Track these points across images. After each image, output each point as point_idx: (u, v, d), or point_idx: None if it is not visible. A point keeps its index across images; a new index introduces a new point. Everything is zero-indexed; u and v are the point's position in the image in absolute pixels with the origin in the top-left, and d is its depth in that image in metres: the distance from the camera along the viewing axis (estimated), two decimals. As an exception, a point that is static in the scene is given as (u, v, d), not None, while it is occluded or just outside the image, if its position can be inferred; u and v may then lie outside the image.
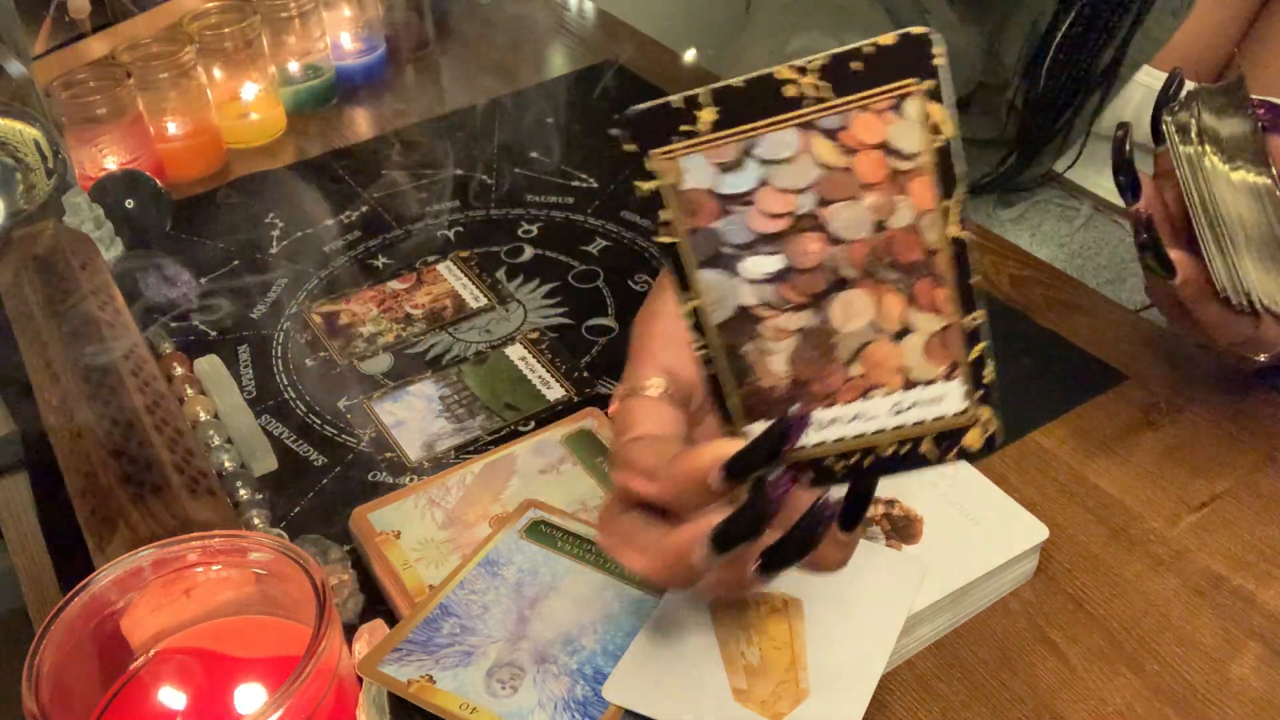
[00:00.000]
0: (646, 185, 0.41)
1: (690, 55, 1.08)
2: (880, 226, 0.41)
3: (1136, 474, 0.63)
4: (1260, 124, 0.57)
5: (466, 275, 0.80)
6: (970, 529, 0.56)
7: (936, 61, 0.39)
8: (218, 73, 0.96)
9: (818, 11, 0.84)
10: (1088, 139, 0.87)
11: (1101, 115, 0.86)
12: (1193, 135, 0.58)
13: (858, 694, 0.48)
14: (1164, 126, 0.58)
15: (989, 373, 0.42)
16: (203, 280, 0.80)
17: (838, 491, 0.42)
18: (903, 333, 0.42)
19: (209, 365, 0.70)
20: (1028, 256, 0.79)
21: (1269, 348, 0.59)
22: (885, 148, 0.40)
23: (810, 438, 0.43)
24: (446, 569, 0.55)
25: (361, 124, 1.00)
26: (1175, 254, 0.58)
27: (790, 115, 0.40)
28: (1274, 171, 0.57)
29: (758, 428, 0.43)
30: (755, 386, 0.43)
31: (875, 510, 0.57)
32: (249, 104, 0.97)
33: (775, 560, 0.42)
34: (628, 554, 0.45)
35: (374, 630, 0.51)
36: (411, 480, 0.64)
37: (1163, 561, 0.58)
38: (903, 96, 0.40)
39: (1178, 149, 0.57)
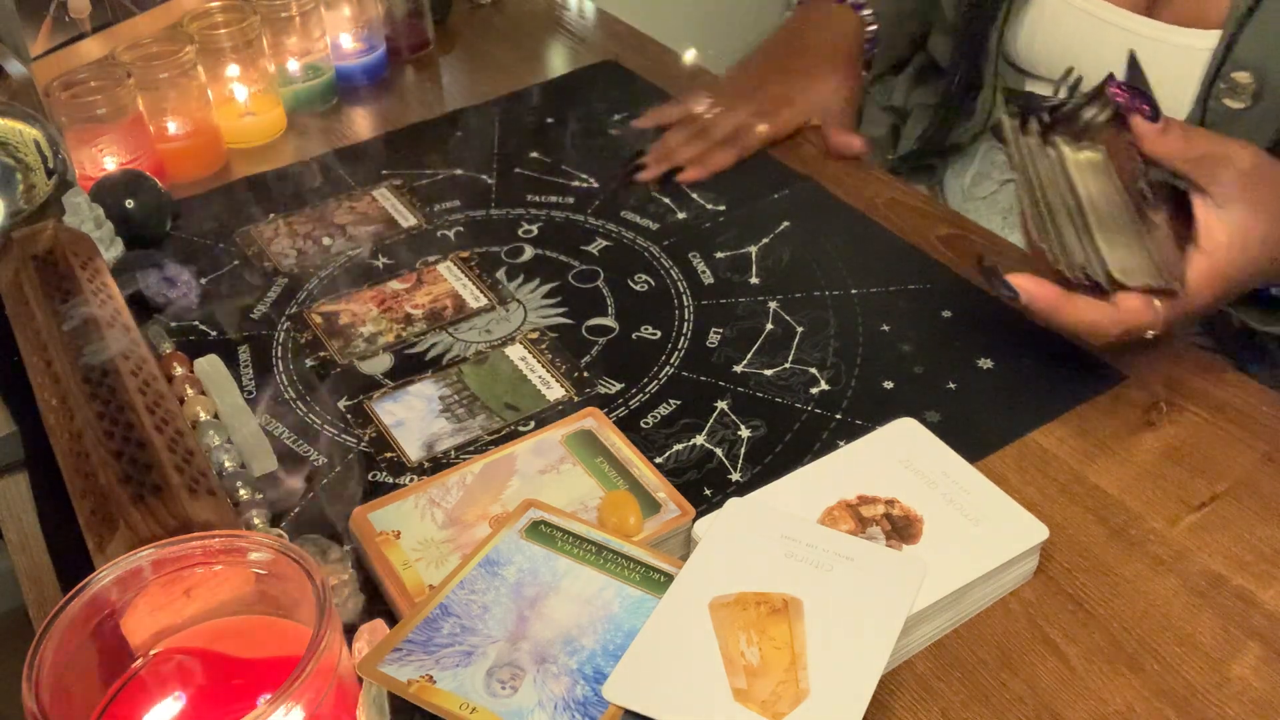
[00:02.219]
0: None
1: (690, 55, 1.09)
2: None
3: (1136, 474, 0.63)
4: (1116, 105, 0.60)
5: (466, 275, 0.80)
6: (970, 529, 0.56)
7: None
8: (218, 73, 0.96)
9: None
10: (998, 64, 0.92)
11: (1015, 36, 0.89)
12: (1033, 127, 0.61)
13: (858, 694, 0.48)
14: (1004, 125, 0.61)
15: None
16: (203, 280, 0.80)
17: None
18: None
19: (209, 365, 0.70)
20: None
21: (1143, 328, 0.62)
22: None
23: None
24: (446, 569, 0.55)
25: (361, 124, 1.00)
26: (1015, 277, 0.62)
27: None
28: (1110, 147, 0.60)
29: None
30: None
31: (875, 510, 0.57)
32: (249, 104, 0.97)
33: None
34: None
35: (374, 630, 0.51)
36: (411, 480, 0.64)
37: (1163, 561, 0.58)
38: None
39: (1015, 143, 0.61)
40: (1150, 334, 0.62)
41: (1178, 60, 0.79)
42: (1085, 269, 0.61)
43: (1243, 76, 0.75)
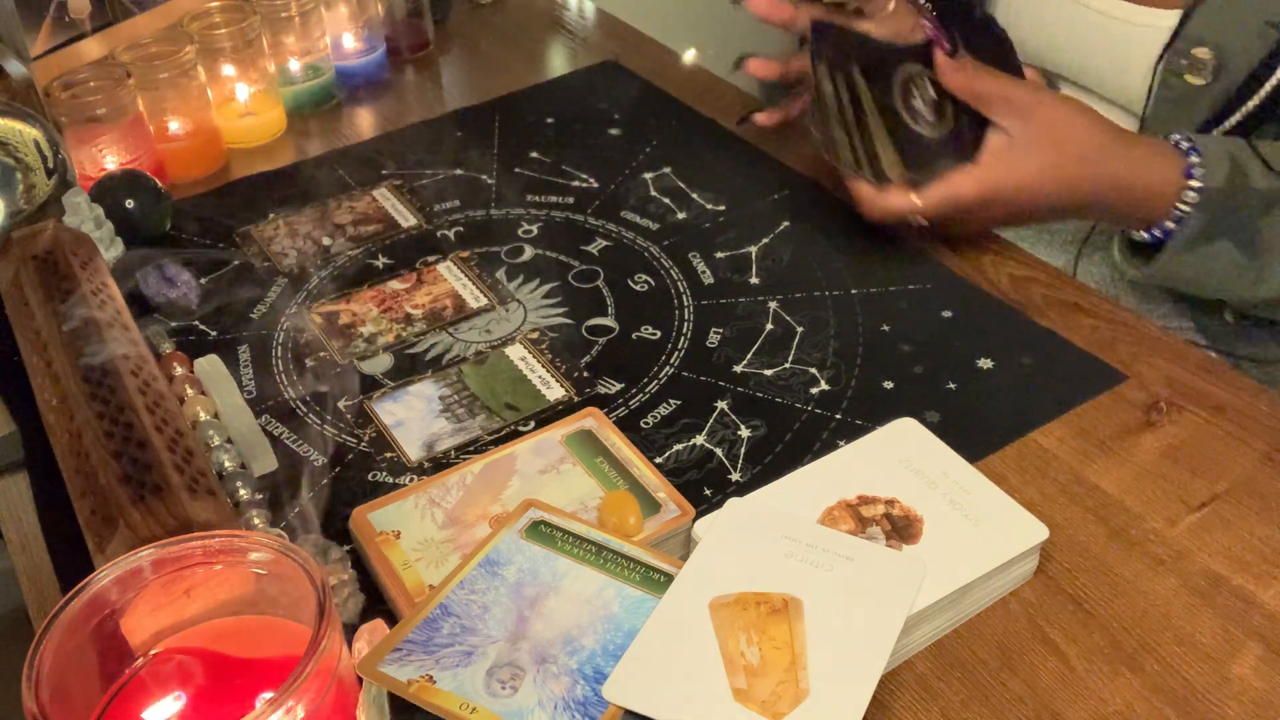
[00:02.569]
0: None
1: (690, 55, 1.09)
2: None
3: (1136, 474, 0.63)
4: (927, 36, 0.76)
5: (466, 275, 0.80)
6: (970, 529, 0.56)
7: None
8: (218, 73, 0.96)
9: None
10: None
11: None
12: (826, 54, 0.76)
13: (858, 694, 0.48)
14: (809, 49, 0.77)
15: None
16: (203, 280, 0.80)
17: None
18: None
19: (209, 365, 0.70)
20: (1028, 256, 0.79)
21: (903, 212, 0.75)
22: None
23: None
24: (446, 569, 0.55)
25: (361, 124, 1.01)
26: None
27: None
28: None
29: None
30: None
31: (875, 510, 0.57)
32: (249, 104, 0.97)
33: None
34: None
35: (374, 630, 0.51)
36: (411, 480, 0.64)
37: (1163, 561, 0.58)
38: None
39: (813, 66, 0.76)
40: (916, 221, 0.75)
41: (1143, 39, 0.81)
42: (859, 169, 0.76)
43: (1203, 52, 0.77)
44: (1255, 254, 0.73)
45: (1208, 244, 0.73)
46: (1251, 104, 0.76)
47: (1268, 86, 0.75)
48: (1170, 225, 0.73)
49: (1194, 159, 0.72)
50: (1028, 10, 0.88)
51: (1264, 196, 0.73)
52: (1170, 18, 0.79)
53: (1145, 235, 0.75)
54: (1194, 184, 0.71)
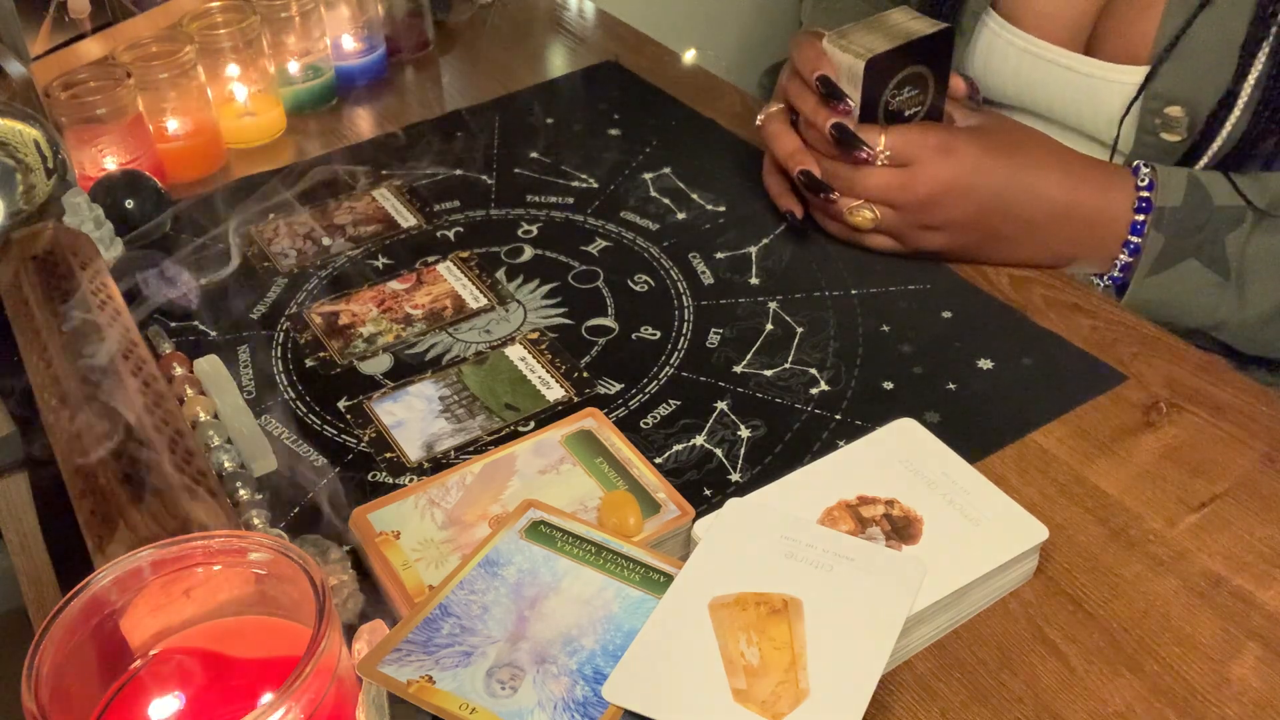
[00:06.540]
0: None
1: (690, 55, 1.09)
2: None
3: (1136, 474, 0.63)
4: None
5: (466, 275, 0.80)
6: (970, 529, 0.56)
7: None
8: (218, 73, 0.96)
9: None
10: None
11: (970, 68, 0.92)
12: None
13: (858, 694, 0.48)
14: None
15: None
16: (203, 280, 0.80)
17: None
18: None
19: (209, 365, 0.70)
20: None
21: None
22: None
23: None
24: (446, 569, 0.55)
25: (361, 124, 1.01)
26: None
27: None
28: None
29: None
30: None
31: (875, 510, 0.57)
32: (249, 104, 0.97)
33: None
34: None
35: (374, 630, 0.51)
36: (411, 480, 0.64)
37: (1163, 561, 0.58)
38: None
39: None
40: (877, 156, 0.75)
41: (1113, 95, 0.82)
42: None
43: (1175, 111, 0.77)
44: (1228, 273, 0.73)
45: (1175, 264, 0.73)
46: (1215, 145, 0.76)
47: (1229, 123, 0.75)
48: (1125, 258, 0.74)
49: (1144, 177, 0.74)
50: (1005, 66, 0.89)
51: (1229, 214, 0.73)
52: (1138, 73, 0.80)
53: (1099, 281, 0.76)
54: (1143, 194, 0.73)
